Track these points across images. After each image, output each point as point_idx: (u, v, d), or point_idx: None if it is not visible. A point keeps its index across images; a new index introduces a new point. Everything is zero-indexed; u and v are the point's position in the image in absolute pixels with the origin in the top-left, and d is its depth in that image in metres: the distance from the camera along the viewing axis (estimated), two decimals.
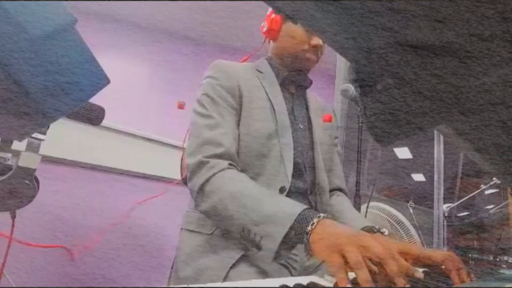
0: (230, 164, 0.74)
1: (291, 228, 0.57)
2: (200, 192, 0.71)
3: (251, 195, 0.66)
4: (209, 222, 0.77)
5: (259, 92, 0.86)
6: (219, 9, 3.46)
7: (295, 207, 0.60)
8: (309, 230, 0.56)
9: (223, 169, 0.71)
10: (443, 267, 0.56)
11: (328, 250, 0.51)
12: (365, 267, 0.45)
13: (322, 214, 0.58)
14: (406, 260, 0.53)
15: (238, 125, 0.82)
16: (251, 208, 0.63)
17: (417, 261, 0.57)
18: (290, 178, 0.79)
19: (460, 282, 0.52)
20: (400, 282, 0.44)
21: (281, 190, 0.78)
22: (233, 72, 0.86)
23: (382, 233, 0.79)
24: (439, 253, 0.56)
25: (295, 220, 0.58)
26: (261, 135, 0.80)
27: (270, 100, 0.85)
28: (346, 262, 0.48)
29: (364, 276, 0.44)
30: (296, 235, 0.58)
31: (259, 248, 0.60)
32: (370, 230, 0.80)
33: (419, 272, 0.47)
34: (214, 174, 0.70)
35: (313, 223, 0.56)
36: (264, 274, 0.68)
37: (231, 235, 0.71)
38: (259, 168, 0.79)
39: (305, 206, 0.61)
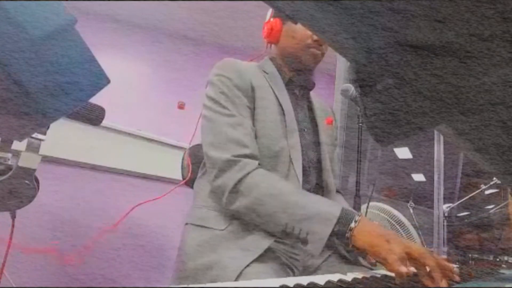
0: (259, 164, 0.76)
1: (335, 225, 0.64)
2: (233, 191, 0.72)
3: (290, 194, 0.70)
4: (223, 218, 0.77)
5: (269, 93, 0.86)
6: (219, 9, 3.46)
7: (335, 206, 0.67)
8: (353, 227, 0.64)
9: (255, 169, 0.73)
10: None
11: (374, 241, 0.60)
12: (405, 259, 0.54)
13: (360, 213, 0.67)
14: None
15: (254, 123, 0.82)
16: (293, 206, 0.68)
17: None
18: (301, 182, 0.80)
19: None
20: (438, 276, 0.52)
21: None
22: (245, 72, 0.85)
23: None
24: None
25: (338, 218, 0.65)
26: (272, 136, 0.81)
27: (279, 101, 0.85)
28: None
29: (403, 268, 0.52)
30: (339, 231, 0.65)
31: (304, 243, 0.66)
32: None
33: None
34: (247, 174, 0.72)
35: (356, 220, 0.65)
36: (277, 272, 0.68)
37: (269, 231, 0.72)
38: (270, 166, 0.80)
39: (342, 205, 0.68)
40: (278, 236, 0.71)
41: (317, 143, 0.92)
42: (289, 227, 0.67)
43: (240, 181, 0.71)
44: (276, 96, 0.86)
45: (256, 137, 0.80)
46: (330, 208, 0.67)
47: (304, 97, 0.97)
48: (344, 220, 0.65)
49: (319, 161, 0.90)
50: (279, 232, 0.69)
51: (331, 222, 0.64)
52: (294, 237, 0.67)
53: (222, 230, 0.75)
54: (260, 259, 0.69)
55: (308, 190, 0.85)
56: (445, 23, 0.20)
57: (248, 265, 0.67)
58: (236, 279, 0.65)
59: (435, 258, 0.54)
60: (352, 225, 0.64)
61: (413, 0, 0.19)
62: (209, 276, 0.69)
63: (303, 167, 0.84)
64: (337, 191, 1.01)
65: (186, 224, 0.83)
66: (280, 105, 0.85)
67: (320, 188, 0.89)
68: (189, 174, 1.00)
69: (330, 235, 0.64)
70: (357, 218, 0.65)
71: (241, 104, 0.80)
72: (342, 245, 0.81)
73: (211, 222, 0.77)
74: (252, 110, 0.82)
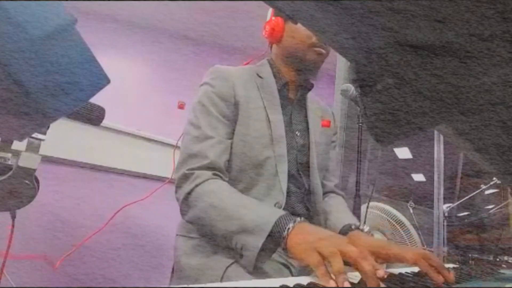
0: (214, 174, 0.75)
1: (268, 236, 0.60)
2: (184, 203, 0.73)
3: (230, 205, 0.68)
4: None
5: (256, 101, 0.85)
6: (219, 9, 3.46)
7: (271, 215, 0.63)
8: (285, 235, 0.59)
9: (206, 180, 0.73)
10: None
11: (306, 250, 0.54)
12: (339, 258, 0.48)
13: (298, 219, 0.62)
14: (377, 258, 0.56)
15: (233, 134, 0.81)
16: (231, 218, 0.66)
17: (389, 260, 0.59)
18: (285, 192, 0.79)
19: (441, 280, 0.52)
20: (371, 282, 0.46)
21: (276, 206, 0.78)
22: (230, 79, 0.84)
23: (361, 230, 0.79)
24: (411, 253, 0.57)
25: (272, 227, 0.60)
26: (256, 143, 0.80)
27: (265, 108, 0.84)
28: (324, 259, 0.51)
29: (338, 266, 0.47)
30: (274, 242, 0.61)
31: (240, 255, 0.63)
32: (349, 228, 0.80)
33: (382, 271, 0.49)
34: (197, 185, 0.72)
35: (289, 228, 0.60)
36: (261, 273, 0.68)
37: (216, 242, 0.72)
38: (253, 179, 0.80)
39: (282, 213, 0.64)
40: (224, 247, 0.70)
41: (308, 146, 0.91)
42: (227, 239, 0.65)
43: (190, 192, 0.72)
44: (264, 104, 0.84)
45: (236, 146, 0.80)
46: (265, 217, 0.63)
47: (302, 99, 0.96)
48: (278, 229, 0.60)
49: (308, 164, 0.90)
50: (222, 244, 0.69)
51: (263, 233, 0.60)
52: (232, 249, 0.65)
53: (201, 237, 0.77)
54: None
55: (301, 192, 0.85)
56: (445, 23, 0.20)
57: (230, 265, 0.68)
58: (221, 280, 0.66)
59: (371, 262, 0.48)
60: (285, 234, 0.59)
61: (413, 0, 0.19)
62: (198, 282, 0.70)
63: (293, 172, 0.84)
64: (335, 192, 1.00)
65: (176, 235, 0.85)
66: (267, 114, 0.83)
67: (310, 189, 0.89)
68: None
69: (265, 247, 0.60)
70: (290, 225, 0.60)
71: (216, 114, 0.80)
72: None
73: (191, 231, 0.79)
74: (233, 119, 0.82)
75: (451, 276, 0.53)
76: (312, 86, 0.96)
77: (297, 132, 0.90)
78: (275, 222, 0.61)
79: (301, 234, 0.59)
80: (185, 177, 0.74)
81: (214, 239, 0.71)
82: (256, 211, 0.66)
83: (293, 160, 0.86)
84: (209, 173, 0.74)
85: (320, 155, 0.92)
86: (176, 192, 0.77)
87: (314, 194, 0.88)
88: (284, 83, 0.91)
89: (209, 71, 0.87)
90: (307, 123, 0.94)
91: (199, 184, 0.72)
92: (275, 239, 0.61)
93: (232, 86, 0.83)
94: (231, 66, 0.90)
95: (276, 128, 0.83)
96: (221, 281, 0.66)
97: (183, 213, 0.75)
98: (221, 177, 0.77)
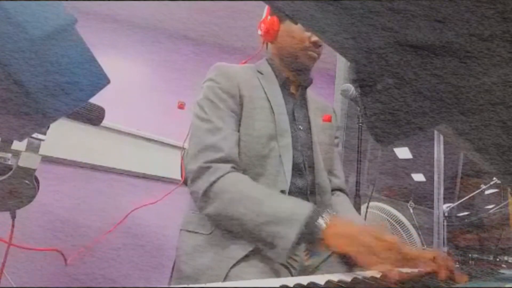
0: (232, 167, 0.75)
1: (303, 226, 0.61)
2: (204, 196, 0.72)
3: (258, 197, 0.68)
4: (208, 222, 0.78)
5: (259, 94, 0.85)
6: (219, 9, 3.46)
7: (305, 206, 0.64)
8: (323, 228, 0.61)
9: (227, 173, 0.72)
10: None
11: (347, 242, 0.57)
12: (388, 261, 0.52)
13: (331, 211, 0.64)
14: None
15: (239, 127, 0.82)
16: (260, 210, 0.66)
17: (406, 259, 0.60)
18: (289, 181, 0.79)
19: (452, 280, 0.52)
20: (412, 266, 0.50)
21: (281, 193, 0.78)
22: (234, 74, 0.85)
23: None
24: (428, 257, 0.57)
25: (306, 219, 0.62)
26: (260, 137, 0.81)
27: (269, 101, 0.85)
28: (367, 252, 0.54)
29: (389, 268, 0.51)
30: (308, 233, 0.62)
31: (272, 247, 0.63)
32: None
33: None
34: (218, 178, 0.71)
35: (326, 220, 0.61)
36: (265, 273, 0.68)
37: (239, 235, 0.71)
38: (259, 169, 0.80)
39: (314, 205, 0.65)
40: (249, 241, 0.69)
41: (311, 145, 0.91)
42: (256, 231, 0.65)
43: (210, 186, 0.71)
44: (267, 97, 0.85)
45: (242, 138, 0.80)
46: (298, 209, 0.64)
47: (302, 95, 0.97)
48: (313, 221, 0.61)
49: (312, 162, 0.90)
50: (248, 237, 0.68)
51: (297, 224, 0.61)
52: (262, 241, 0.65)
53: (209, 234, 0.76)
54: (250, 259, 0.69)
55: (304, 189, 0.85)
56: (445, 23, 0.20)
57: (234, 266, 0.68)
58: (224, 280, 0.66)
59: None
60: (323, 225, 0.61)
61: (413, 0, 0.19)
62: (201, 280, 0.70)
63: (298, 166, 0.84)
64: (341, 190, 1.00)
65: (180, 230, 0.84)
66: (271, 106, 0.84)
67: (315, 187, 0.89)
68: (184, 174, 1.00)
69: (300, 238, 0.61)
70: (327, 217, 0.62)
71: (224, 109, 0.80)
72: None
73: (199, 227, 0.79)
74: (239, 114, 0.82)
75: (464, 279, 0.54)
76: (311, 82, 0.97)
77: (300, 127, 0.90)
78: (310, 212, 0.62)
79: (338, 226, 0.61)
80: (202, 170, 0.73)
81: (237, 231, 0.71)
82: (287, 203, 0.67)
83: (298, 154, 0.86)
84: (228, 166, 0.74)
85: (324, 154, 0.92)
86: (191, 185, 0.75)
87: (320, 191, 0.88)
88: (284, 79, 0.92)
89: (212, 68, 0.88)
90: (308, 122, 0.94)
91: (220, 177, 0.71)
92: (309, 231, 0.61)
93: (237, 83, 0.84)
94: (233, 64, 0.91)
95: (280, 122, 0.84)
96: (223, 281, 0.66)
97: (202, 207, 0.73)
98: (238, 170, 0.76)
